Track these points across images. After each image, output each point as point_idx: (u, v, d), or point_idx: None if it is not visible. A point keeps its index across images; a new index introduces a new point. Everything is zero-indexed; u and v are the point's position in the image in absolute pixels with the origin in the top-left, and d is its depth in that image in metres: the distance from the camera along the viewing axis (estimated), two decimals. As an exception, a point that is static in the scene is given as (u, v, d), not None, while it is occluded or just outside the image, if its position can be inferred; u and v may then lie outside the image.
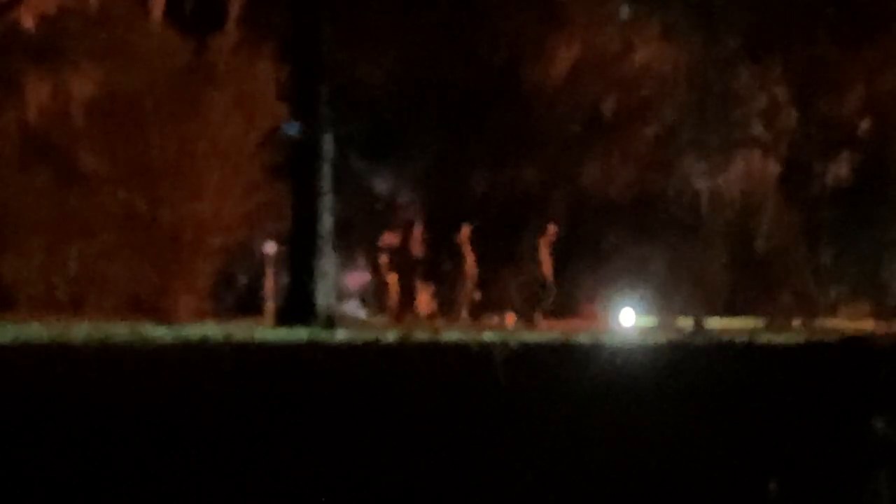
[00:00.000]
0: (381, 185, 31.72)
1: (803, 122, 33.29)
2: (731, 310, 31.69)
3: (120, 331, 18.85)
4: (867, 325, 29.30)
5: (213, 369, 13.55)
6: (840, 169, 32.98)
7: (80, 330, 18.68)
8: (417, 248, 31.39)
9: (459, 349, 17.39)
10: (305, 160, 25.99)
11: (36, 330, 18.31)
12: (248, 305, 28.33)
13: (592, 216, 32.90)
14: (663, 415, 9.67)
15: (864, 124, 32.95)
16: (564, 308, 31.70)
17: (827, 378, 12.01)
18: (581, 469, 7.40)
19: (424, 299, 31.10)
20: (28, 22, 28.20)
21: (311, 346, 17.57)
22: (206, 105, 27.39)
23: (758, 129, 33.24)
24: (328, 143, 25.98)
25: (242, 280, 28.81)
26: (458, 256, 31.07)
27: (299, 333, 20.49)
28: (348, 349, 17.12)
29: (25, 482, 6.27)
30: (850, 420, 8.46)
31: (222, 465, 7.50)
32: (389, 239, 31.33)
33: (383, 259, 31.12)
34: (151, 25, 28.18)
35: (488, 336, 20.48)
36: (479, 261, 31.18)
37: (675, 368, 13.55)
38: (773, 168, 33.26)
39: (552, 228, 30.80)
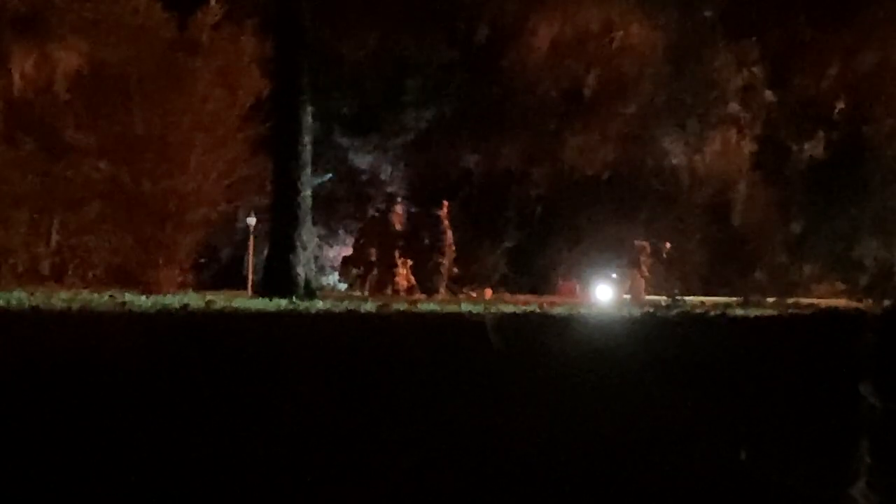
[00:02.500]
0: (363, 160, 31.92)
1: (779, 101, 33.58)
2: (706, 287, 31.96)
3: (100, 299, 18.98)
4: (840, 301, 29.57)
5: (193, 337, 13.73)
6: (815, 148, 33.27)
7: (61, 298, 18.81)
8: (398, 223, 31.55)
9: (436, 319, 17.56)
10: (287, 134, 26.10)
11: (17, 297, 18.39)
12: (231, 278, 28.51)
13: (571, 193, 33.16)
14: (638, 386, 9.93)
15: (840, 104, 33.22)
16: (542, 283, 32.00)
17: (797, 350, 12.26)
18: (557, 437, 7.66)
19: (403, 274, 31.27)
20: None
21: (290, 316, 17.66)
22: (190, 79, 27.40)
23: (734, 107, 33.53)
24: (309, 118, 26.10)
25: (225, 252, 28.96)
26: (438, 231, 31.26)
27: (278, 303, 20.60)
28: (326, 318, 17.24)
29: (5, 444, 6.48)
30: (820, 390, 8.73)
31: (202, 430, 7.74)
32: (370, 213, 31.52)
33: (364, 233, 31.30)
34: (136, 0, 28.24)
35: (465, 307, 20.63)
36: (459, 236, 31.42)
37: (650, 340, 13.77)
38: (749, 146, 33.56)
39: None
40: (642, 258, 31.66)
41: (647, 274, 31.45)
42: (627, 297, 29.73)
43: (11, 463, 6.17)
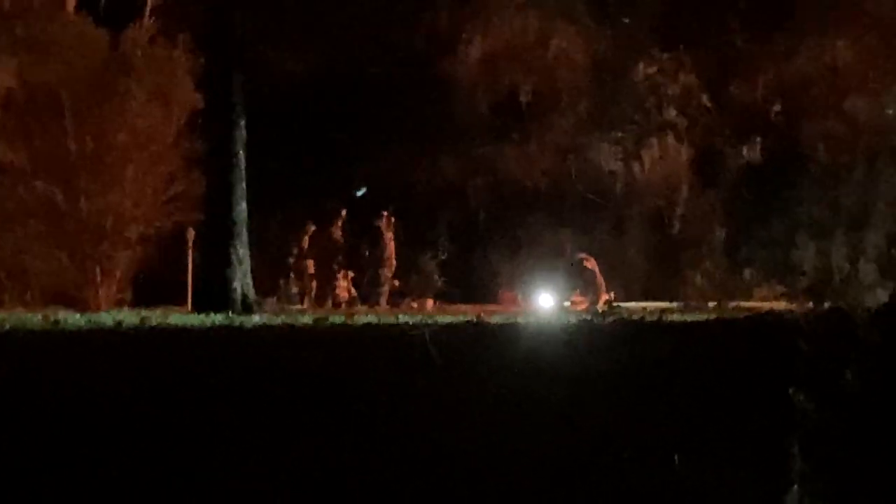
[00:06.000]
0: (301, 174, 31.79)
1: (716, 107, 33.76)
2: (647, 293, 32.04)
3: (33, 318, 18.89)
4: (780, 305, 29.63)
5: (128, 354, 13.67)
6: (752, 153, 33.45)
7: (-5, 318, 18.70)
8: (337, 236, 31.53)
9: (373, 331, 17.59)
10: (220, 149, 26.13)
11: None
12: (170, 294, 28.34)
13: (510, 203, 33.21)
14: (573, 393, 9.95)
15: (775, 109, 33.41)
16: (484, 293, 32.01)
17: (731, 355, 12.32)
18: (495, 445, 7.66)
19: (344, 286, 31.24)
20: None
21: (227, 330, 17.67)
22: (124, 96, 27.39)
23: (671, 114, 33.69)
24: (242, 132, 26.11)
25: (164, 268, 28.77)
26: (377, 244, 31.30)
27: (214, 318, 20.55)
28: (263, 332, 17.25)
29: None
30: (754, 396, 8.77)
31: (137, 445, 7.69)
32: (308, 227, 31.43)
33: (303, 246, 31.23)
34: (67, 17, 28.13)
35: (403, 319, 20.64)
36: (398, 248, 31.45)
37: (585, 347, 13.82)
38: (687, 152, 33.71)
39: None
40: (590, 267, 31.76)
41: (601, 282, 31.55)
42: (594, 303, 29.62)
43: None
